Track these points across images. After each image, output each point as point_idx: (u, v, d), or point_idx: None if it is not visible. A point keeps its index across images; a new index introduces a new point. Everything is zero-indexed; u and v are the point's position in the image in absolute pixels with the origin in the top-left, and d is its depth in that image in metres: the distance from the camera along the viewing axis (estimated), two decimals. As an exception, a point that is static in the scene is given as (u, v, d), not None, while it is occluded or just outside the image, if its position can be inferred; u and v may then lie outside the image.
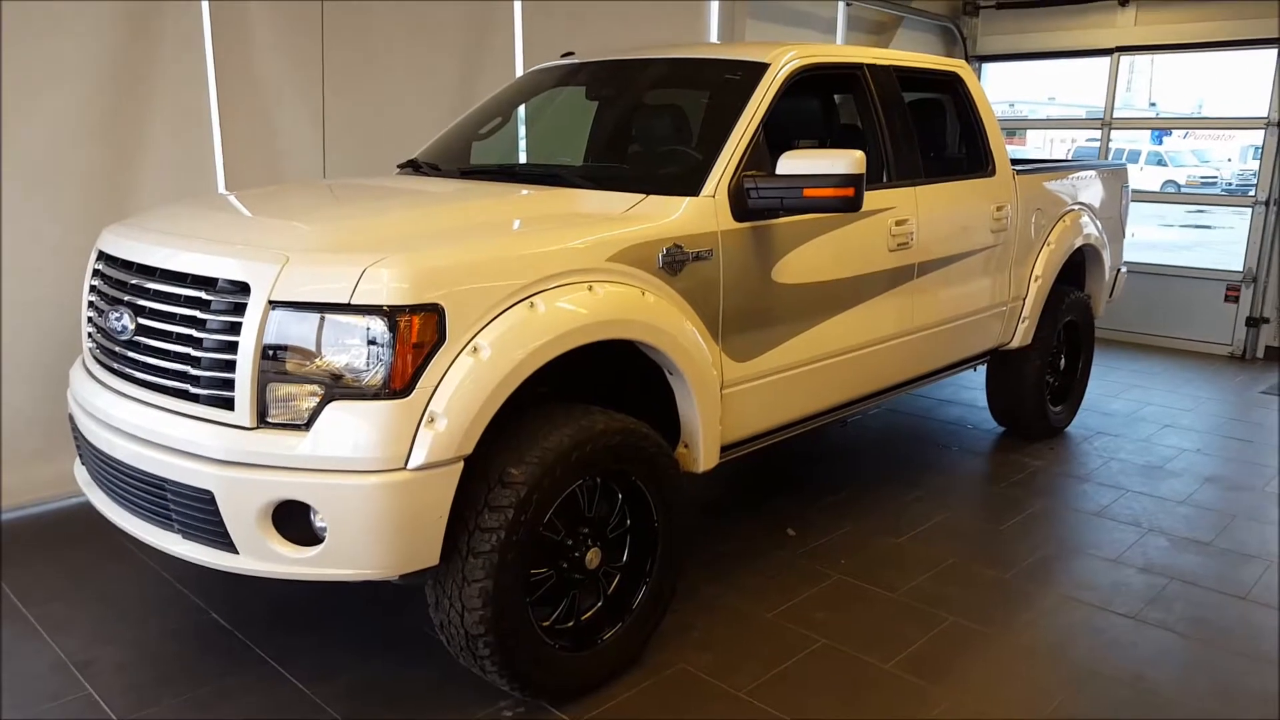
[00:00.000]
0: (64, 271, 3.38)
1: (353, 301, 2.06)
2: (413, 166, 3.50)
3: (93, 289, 2.60)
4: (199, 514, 2.17)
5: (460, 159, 3.52)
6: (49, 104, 3.39)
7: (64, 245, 3.42)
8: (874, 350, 3.42)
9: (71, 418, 2.64)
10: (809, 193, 2.73)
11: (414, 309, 2.07)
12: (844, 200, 2.72)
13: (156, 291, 2.31)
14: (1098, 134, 7.39)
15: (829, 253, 3.13)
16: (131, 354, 2.36)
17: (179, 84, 3.72)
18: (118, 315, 2.39)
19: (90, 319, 2.61)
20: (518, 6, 4.77)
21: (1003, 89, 8.34)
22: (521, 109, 3.80)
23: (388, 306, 2.05)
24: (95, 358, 2.58)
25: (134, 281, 2.38)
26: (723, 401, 2.80)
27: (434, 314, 2.09)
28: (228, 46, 3.83)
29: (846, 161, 2.69)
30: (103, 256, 2.57)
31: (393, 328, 2.05)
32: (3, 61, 3.25)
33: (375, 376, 2.07)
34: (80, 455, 2.66)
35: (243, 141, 3.93)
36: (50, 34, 3.36)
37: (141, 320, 2.33)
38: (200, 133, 3.83)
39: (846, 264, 3.21)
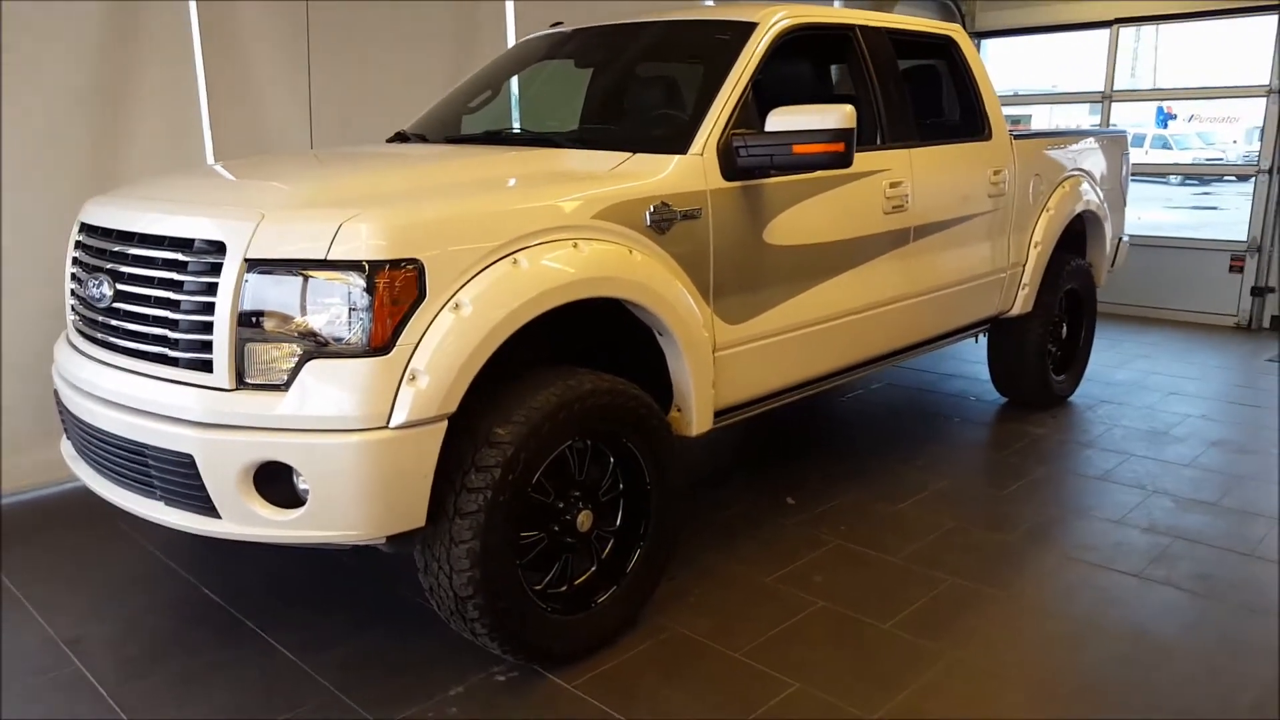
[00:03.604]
0: (57, 256, 3.34)
1: (329, 258, 2.02)
2: (401, 138, 3.46)
3: (74, 260, 2.57)
4: (180, 479, 2.13)
5: (449, 130, 3.48)
6: (37, 91, 3.37)
7: (56, 229, 3.38)
8: (870, 315, 3.37)
9: (56, 392, 2.61)
10: (799, 149, 2.67)
11: (393, 265, 2.03)
12: (835, 156, 2.67)
13: (135, 256, 2.28)
14: (1099, 110, 7.29)
15: (822, 214, 3.07)
16: (111, 321, 2.33)
17: (166, 66, 3.70)
18: (97, 283, 2.36)
19: (72, 290, 2.58)
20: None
21: (1005, 76, 8.21)
22: (513, 81, 3.76)
23: (365, 262, 2.01)
24: (77, 329, 2.54)
25: (114, 248, 2.35)
26: (715, 364, 2.76)
27: (413, 270, 2.05)
28: (214, 28, 3.80)
29: (836, 116, 2.64)
30: (84, 228, 2.54)
31: (371, 284, 2.01)
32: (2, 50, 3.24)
33: (354, 334, 2.03)
34: (65, 429, 2.63)
35: (230, 122, 3.91)
36: (40, 22, 3.33)
37: (120, 286, 2.30)
38: (188, 115, 3.80)
39: (840, 226, 3.16)
